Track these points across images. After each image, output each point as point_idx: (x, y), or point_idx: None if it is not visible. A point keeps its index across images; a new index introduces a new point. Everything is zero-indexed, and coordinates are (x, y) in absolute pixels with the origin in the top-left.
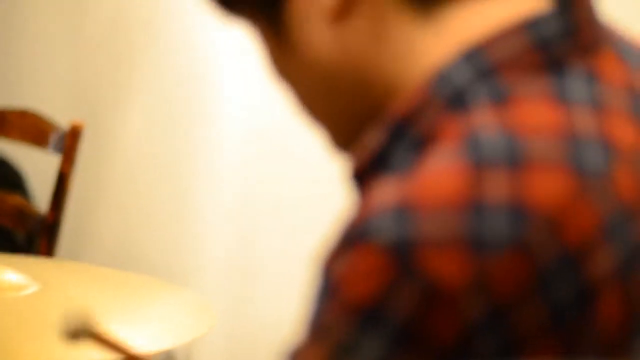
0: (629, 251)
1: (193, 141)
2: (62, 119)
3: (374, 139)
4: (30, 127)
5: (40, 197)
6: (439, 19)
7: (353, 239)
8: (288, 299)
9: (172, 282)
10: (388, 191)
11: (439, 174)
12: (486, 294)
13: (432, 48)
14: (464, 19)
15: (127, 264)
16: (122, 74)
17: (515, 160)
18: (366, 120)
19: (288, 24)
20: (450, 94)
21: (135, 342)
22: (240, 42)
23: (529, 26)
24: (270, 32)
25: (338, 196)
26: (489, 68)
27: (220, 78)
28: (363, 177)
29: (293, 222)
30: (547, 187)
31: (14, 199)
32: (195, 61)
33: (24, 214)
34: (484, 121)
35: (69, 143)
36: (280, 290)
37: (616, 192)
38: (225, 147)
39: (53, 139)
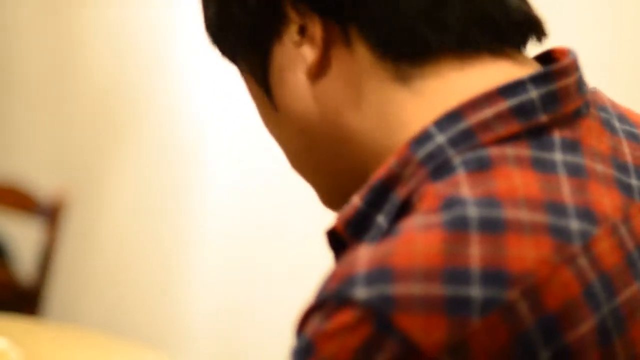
0: (609, 317)
1: (179, 208)
2: (49, 185)
3: (353, 201)
4: (15, 197)
5: (28, 262)
6: (416, 83)
7: (330, 298)
8: None
9: (159, 346)
10: (366, 253)
11: (417, 239)
12: (464, 356)
13: (409, 112)
14: (442, 83)
15: (114, 328)
16: (109, 142)
17: (493, 227)
18: (350, 179)
19: (270, 78)
20: (429, 160)
21: None
22: (227, 110)
23: (509, 92)
24: (256, 85)
25: (327, 261)
26: (467, 134)
27: (204, 147)
28: (342, 238)
29: (280, 290)
30: (525, 254)
31: None
32: (180, 129)
33: (7, 282)
34: (462, 188)
35: (53, 211)
36: (267, 353)
37: (596, 259)
38: (210, 213)
39: (39, 206)
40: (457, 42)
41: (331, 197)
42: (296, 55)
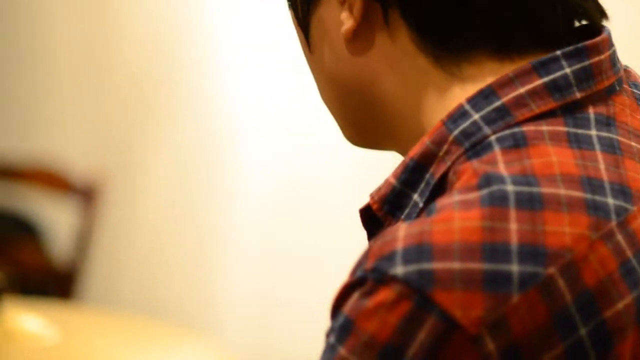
0: None
1: (214, 189)
2: (85, 166)
3: (388, 180)
4: (51, 178)
5: (65, 244)
6: (453, 68)
7: (368, 275)
8: (309, 345)
9: (194, 328)
10: (404, 231)
11: (455, 216)
12: (503, 332)
13: (444, 92)
14: (478, 70)
15: (150, 310)
16: (145, 123)
17: (531, 204)
18: (374, 132)
19: (311, 22)
20: (464, 138)
21: None
22: (262, 95)
23: (542, 69)
24: (297, 23)
25: (361, 244)
26: (502, 111)
27: (240, 128)
28: (376, 217)
29: (314, 271)
30: (563, 230)
31: (33, 248)
32: (216, 111)
33: (43, 264)
34: (499, 165)
35: (89, 193)
36: (300, 337)
37: (632, 235)
38: (245, 194)
39: (74, 188)
40: (498, 44)
41: (353, 137)
42: (337, 15)
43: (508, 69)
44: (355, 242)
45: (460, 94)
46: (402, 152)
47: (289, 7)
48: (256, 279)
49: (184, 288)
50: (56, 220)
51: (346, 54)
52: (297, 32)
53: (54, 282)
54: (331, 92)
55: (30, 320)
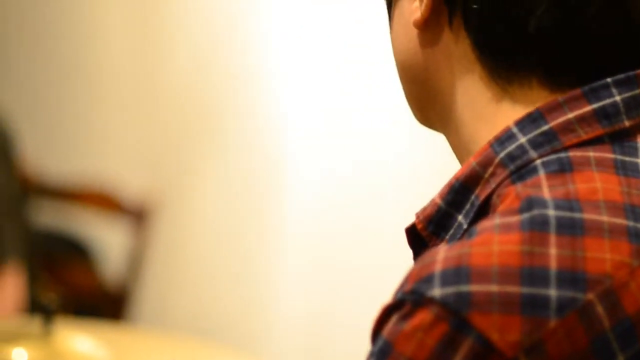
0: None
1: (266, 210)
2: (136, 187)
3: (434, 200)
4: (102, 199)
5: (116, 265)
6: (506, 85)
7: (407, 297)
8: None
9: (245, 349)
10: (443, 253)
11: (495, 239)
12: (540, 356)
13: (495, 108)
14: (530, 90)
15: (202, 331)
16: (195, 143)
17: (572, 229)
18: (432, 114)
19: (394, 7)
20: (510, 161)
21: None
22: (310, 115)
23: (593, 95)
24: (386, 3)
25: (410, 263)
26: (549, 135)
27: (289, 147)
28: (422, 237)
29: (364, 291)
30: (603, 256)
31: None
32: (265, 130)
33: (94, 285)
34: (542, 190)
35: (140, 213)
36: (350, 357)
37: None
38: (295, 213)
39: (125, 209)
40: (549, 70)
41: (418, 117)
42: (412, 3)
43: (558, 93)
44: (404, 261)
45: (509, 111)
46: (450, 142)
47: None
48: (307, 299)
49: (235, 309)
50: (108, 241)
51: (415, 42)
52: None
53: (105, 303)
54: (401, 73)
55: (82, 341)
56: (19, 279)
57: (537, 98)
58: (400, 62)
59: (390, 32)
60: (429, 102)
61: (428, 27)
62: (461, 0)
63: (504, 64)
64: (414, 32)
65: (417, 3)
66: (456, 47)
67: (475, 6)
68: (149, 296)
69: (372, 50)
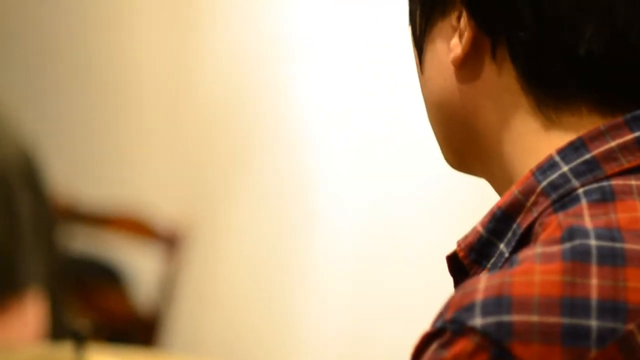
0: None
1: (301, 236)
2: (170, 212)
3: (476, 228)
4: (134, 225)
5: (149, 291)
6: (551, 114)
7: (447, 325)
8: None
9: None
10: (484, 282)
11: (536, 268)
12: None
13: (539, 139)
14: (578, 119)
15: (234, 357)
16: (229, 168)
17: (613, 259)
18: (474, 158)
19: (425, 43)
20: (552, 190)
21: None
22: (348, 137)
23: (635, 123)
24: (415, 44)
25: (449, 291)
26: (591, 164)
27: (326, 171)
28: (463, 265)
29: (402, 319)
30: None
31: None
32: (301, 155)
33: (126, 311)
34: (584, 219)
35: (173, 239)
36: None
37: None
38: (332, 243)
39: (158, 234)
40: (601, 97)
41: (451, 160)
42: (449, 40)
43: (608, 118)
44: (444, 289)
45: (554, 141)
46: (493, 184)
47: (408, 23)
48: (343, 326)
49: (268, 335)
50: (140, 266)
51: (453, 80)
52: (413, 51)
53: (138, 329)
54: (436, 114)
55: None
56: (39, 307)
57: (586, 124)
58: (434, 104)
59: (420, 76)
60: (466, 143)
61: (467, 63)
62: (506, 29)
63: (553, 93)
64: (450, 70)
65: (455, 40)
66: (499, 80)
67: (521, 34)
68: (181, 321)
69: (405, 73)
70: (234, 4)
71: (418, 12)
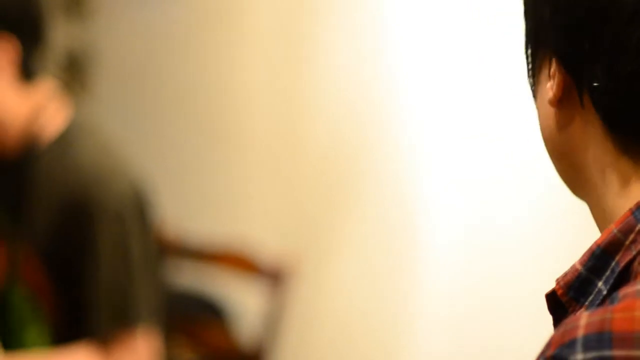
0: None
1: (405, 273)
2: (275, 248)
3: (574, 266)
4: (238, 261)
5: (253, 327)
6: (639, 156)
7: None
8: None
9: None
10: (585, 319)
11: (637, 305)
12: None
13: (630, 180)
14: None
15: None
16: (333, 204)
17: None
18: (575, 186)
19: (536, 79)
20: None
21: None
22: (449, 171)
23: None
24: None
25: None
26: None
27: (431, 211)
28: (562, 302)
29: (502, 346)
30: None
31: (222, 330)
32: (404, 190)
33: (229, 347)
34: None
35: (277, 275)
36: None
37: None
38: (436, 279)
39: (262, 270)
40: None
41: (567, 183)
42: (547, 83)
43: None
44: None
45: None
46: (592, 214)
47: (525, 59)
48: (450, 356)
49: None
50: (245, 302)
51: (553, 119)
52: (528, 82)
53: None
54: (546, 145)
55: None
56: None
57: None
58: (544, 139)
59: (537, 110)
60: (573, 175)
61: (563, 105)
62: (587, 79)
63: (635, 139)
64: (551, 110)
65: (550, 83)
66: (588, 125)
67: (595, 84)
68: (285, 357)
69: (512, 104)
70: (344, 44)
71: (529, 50)
